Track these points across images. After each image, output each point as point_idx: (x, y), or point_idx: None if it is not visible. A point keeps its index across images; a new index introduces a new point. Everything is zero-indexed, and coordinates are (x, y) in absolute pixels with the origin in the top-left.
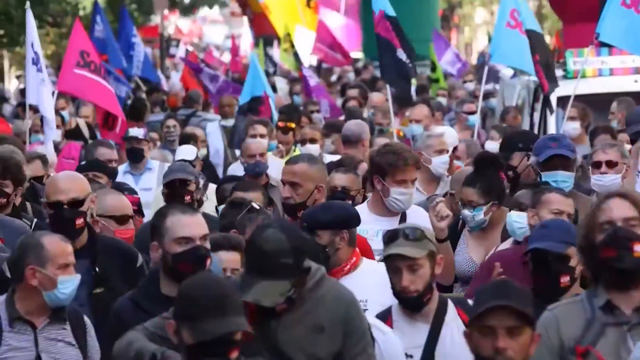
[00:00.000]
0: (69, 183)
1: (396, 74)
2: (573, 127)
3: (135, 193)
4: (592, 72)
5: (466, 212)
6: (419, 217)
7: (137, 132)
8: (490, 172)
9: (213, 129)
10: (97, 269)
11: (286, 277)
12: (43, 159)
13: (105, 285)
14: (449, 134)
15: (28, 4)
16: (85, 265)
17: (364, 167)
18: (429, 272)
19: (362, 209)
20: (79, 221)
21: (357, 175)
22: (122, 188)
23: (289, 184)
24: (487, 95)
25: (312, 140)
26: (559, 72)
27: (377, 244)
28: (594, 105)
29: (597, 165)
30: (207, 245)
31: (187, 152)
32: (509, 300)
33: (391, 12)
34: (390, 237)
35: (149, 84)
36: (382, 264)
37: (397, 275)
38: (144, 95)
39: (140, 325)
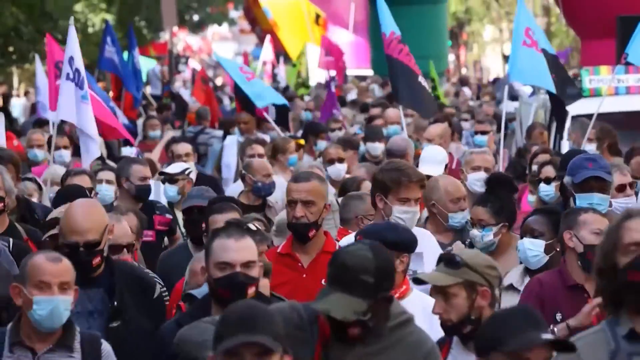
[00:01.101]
0: (86, 222)
1: (421, 102)
2: (589, 149)
3: (168, 212)
4: (608, 91)
5: (475, 232)
6: (425, 241)
7: (129, 151)
8: (503, 193)
9: (230, 143)
10: (115, 302)
11: (364, 296)
12: (89, 173)
13: (122, 318)
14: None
15: (72, 19)
16: (100, 295)
17: (366, 185)
18: (465, 303)
19: None
20: (96, 261)
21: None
22: (154, 207)
23: (302, 202)
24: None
25: (340, 160)
26: (574, 90)
27: None
28: (610, 125)
29: (621, 188)
30: (253, 271)
31: (173, 167)
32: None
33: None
34: (437, 261)
35: (157, 101)
36: (430, 297)
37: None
38: (154, 113)
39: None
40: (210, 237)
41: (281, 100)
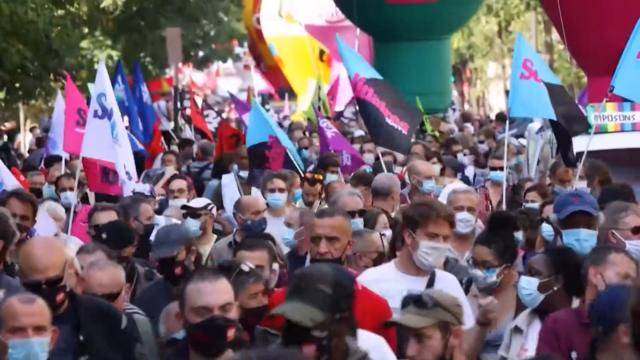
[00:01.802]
0: (46, 259)
1: (393, 139)
2: (580, 187)
3: None
4: (614, 127)
5: (478, 272)
6: (448, 283)
7: (142, 187)
8: (505, 233)
9: (228, 181)
10: (80, 336)
11: (321, 307)
12: (116, 209)
13: (89, 352)
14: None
15: (103, 55)
16: (67, 332)
17: (382, 219)
18: (440, 344)
19: (390, 267)
20: (59, 297)
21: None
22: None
23: (326, 238)
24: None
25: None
26: (581, 127)
27: (399, 302)
28: (615, 161)
29: (636, 230)
30: (231, 313)
31: (196, 202)
32: None
33: (373, 75)
34: (403, 303)
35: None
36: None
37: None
38: (176, 148)
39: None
40: (184, 281)
41: (301, 165)
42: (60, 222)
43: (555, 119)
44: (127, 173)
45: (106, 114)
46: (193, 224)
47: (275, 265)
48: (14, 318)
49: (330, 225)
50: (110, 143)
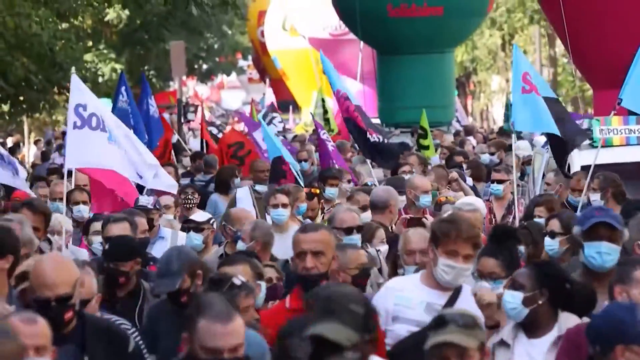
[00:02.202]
0: (57, 276)
1: (381, 156)
2: (593, 199)
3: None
4: (619, 141)
5: (484, 284)
6: (471, 301)
7: (146, 200)
8: (510, 245)
9: (243, 195)
10: (85, 357)
11: (355, 328)
12: (130, 221)
13: None
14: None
15: (73, 69)
16: (72, 352)
17: (380, 234)
18: None
19: (415, 278)
20: (68, 315)
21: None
22: (147, 259)
23: (312, 253)
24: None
25: (364, 208)
26: (583, 138)
27: (417, 314)
28: (621, 175)
29: None
30: (239, 352)
31: (199, 215)
32: None
33: (349, 94)
34: (438, 323)
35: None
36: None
37: None
38: (187, 160)
39: None
40: (195, 311)
41: (300, 180)
42: (65, 235)
43: (559, 134)
44: (137, 173)
45: (86, 123)
46: (196, 238)
47: (261, 282)
48: (210, 338)
49: (315, 240)
50: (97, 150)
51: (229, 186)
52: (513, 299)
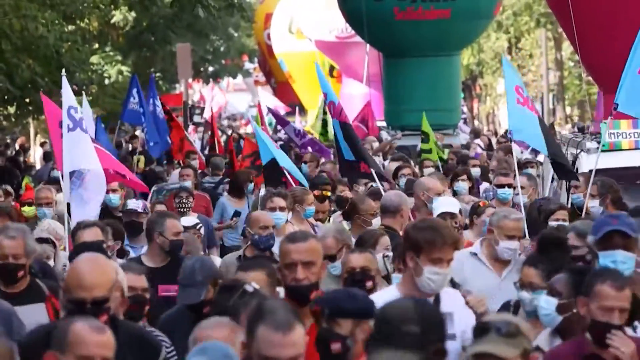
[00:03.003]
0: (94, 277)
1: (373, 165)
2: (592, 206)
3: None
4: (628, 145)
5: (525, 294)
6: (455, 302)
7: (135, 204)
8: (555, 254)
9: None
10: None
11: (413, 349)
12: (101, 226)
13: None
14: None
15: (64, 71)
16: None
17: (385, 241)
18: None
19: (391, 290)
20: (102, 318)
21: (373, 254)
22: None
23: (302, 264)
24: (526, 164)
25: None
26: (593, 144)
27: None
28: (629, 179)
29: None
30: None
31: (186, 220)
32: None
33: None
34: (480, 331)
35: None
36: None
37: None
38: (196, 163)
39: None
40: (255, 317)
41: (303, 181)
42: (59, 241)
43: (546, 153)
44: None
45: (77, 124)
46: None
47: (280, 288)
48: (83, 347)
49: (305, 250)
50: (90, 151)
51: (243, 191)
52: (548, 305)
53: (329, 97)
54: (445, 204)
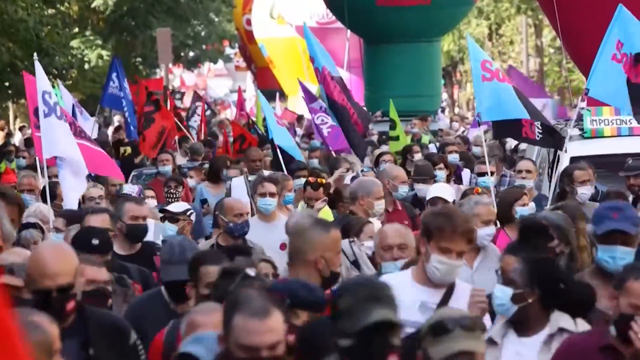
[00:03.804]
0: (58, 264)
1: (354, 145)
2: (582, 192)
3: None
4: (610, 132)
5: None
6: (467, 297)
7: (131, 189)
8: (536, 242)
9: (239, 184)
10: (90, 351)
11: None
12: (110, 213)
13: None
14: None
15: (35, 55)
16: (74, 347)
17: (369, 229)
18: None
19: (406, 275)
20: (70, 306)
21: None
22: (154, 248)
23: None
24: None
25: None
26: (575, 131)
27: (413, 314)
28: (612, 167)
29: None
30: (279, 350)
31: (176, 206)
32: None
33: (336, 72)
34: (440, 330)
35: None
36: None
37: None
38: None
39: None
40: (230, 307)
41: (300, 157)
42: (47, 225)
43: (529, 117)
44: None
45: (52, 110)
46: (170, 229)
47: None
48: (246, 335)
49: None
50: (67, 138)
51: (220, 177)
52: (502, 294)
53: (316, 62)
54: (438, 189)
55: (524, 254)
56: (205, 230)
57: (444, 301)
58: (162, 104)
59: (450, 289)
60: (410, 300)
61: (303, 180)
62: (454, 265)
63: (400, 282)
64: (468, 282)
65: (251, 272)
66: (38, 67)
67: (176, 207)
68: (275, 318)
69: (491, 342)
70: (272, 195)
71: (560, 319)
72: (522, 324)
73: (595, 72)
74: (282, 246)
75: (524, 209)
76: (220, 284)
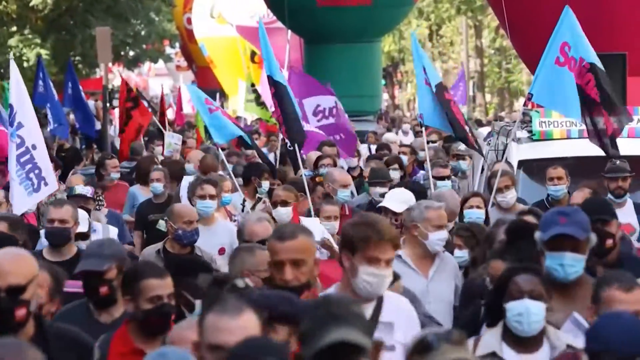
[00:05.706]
0: (9, 265)
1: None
2: (508, 197)
3: None
4: (560, 134)
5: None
6: (399, 310)
7: (84, 190)
8: (522, 244)
9: (186, 184)
10: None
11: (364, 331)
12: (10, 220)
13: None
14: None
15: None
16: None
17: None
18: None
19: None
20: (20, 312)
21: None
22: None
23: (291, 263)
24: (458, 156)
25: (285, 203)
26: (523, 133)
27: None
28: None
29: None
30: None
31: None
32: None
33: (279, 78)
34: (425, 346)
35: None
36: None
37: None
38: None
39: None
40: (204, 308)
41: (240, 132)
42: None
43: (451, 132)
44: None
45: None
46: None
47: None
48: (217, 334)
49: (294, 248)
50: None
51: (147, 178)
52: (538, 311)
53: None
54: (388, 198)
55: (510, 257)
56: (129, 237)
57: (376, 315)
58: (140, 101)
59: (380, 301)
60: None
61: (267, 184)
62: (384, 275)
63: None
64: (423, 292)
65: (240, 282)
66: (12, 65)
67: (83, 227)
68: (247, 317)
69: (495, 355)
70: (211, 197)
71: (561, 335)
72: (521, 340)
73: (539, 76)
74: (221, 250)
75: (473, 211)
76: (209, 294)
